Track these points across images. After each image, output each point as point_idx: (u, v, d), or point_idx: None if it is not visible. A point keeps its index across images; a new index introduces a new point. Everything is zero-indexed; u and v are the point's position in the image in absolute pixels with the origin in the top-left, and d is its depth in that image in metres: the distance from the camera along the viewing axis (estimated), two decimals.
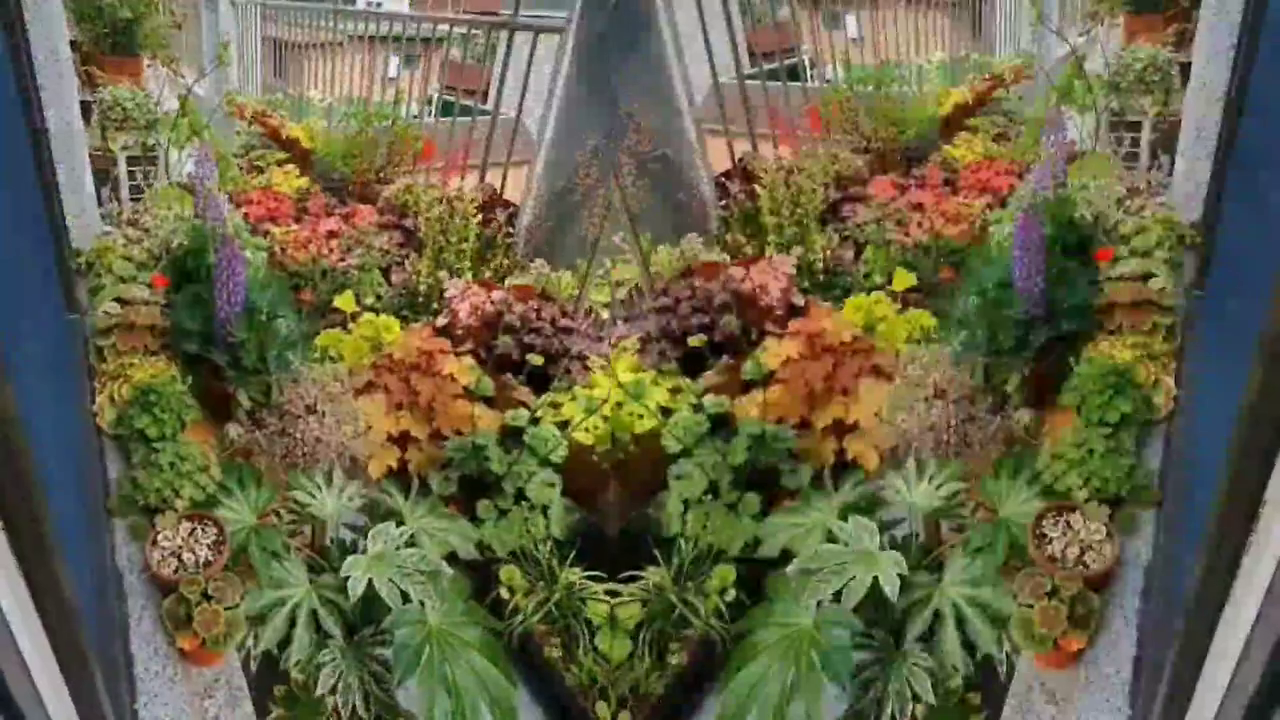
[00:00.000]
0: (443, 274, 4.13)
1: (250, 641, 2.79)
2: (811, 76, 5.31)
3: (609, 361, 3.54)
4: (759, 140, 4.59)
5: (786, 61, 5.24)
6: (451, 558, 3.16)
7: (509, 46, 4.64)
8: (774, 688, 2.37)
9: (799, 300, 3.81)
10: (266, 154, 5.05)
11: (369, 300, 4.12)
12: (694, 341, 3.48)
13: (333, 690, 2.60)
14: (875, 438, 3.26)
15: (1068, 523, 2.66)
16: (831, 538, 2.63)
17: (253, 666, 2.83)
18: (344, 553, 3.01)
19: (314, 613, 2.71)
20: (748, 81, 4.67)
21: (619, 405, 3.33)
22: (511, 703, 2.51)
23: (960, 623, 2.36)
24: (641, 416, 3.33)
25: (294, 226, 4.22)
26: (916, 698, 2.40)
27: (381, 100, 5.24)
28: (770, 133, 4.59)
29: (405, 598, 2.75)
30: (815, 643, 2.40)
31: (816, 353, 3.49)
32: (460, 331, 3.66)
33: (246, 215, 4.18)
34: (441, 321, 3.83)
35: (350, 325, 3.76)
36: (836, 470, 3.28)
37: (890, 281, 3.93)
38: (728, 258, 4.07)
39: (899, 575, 2.43)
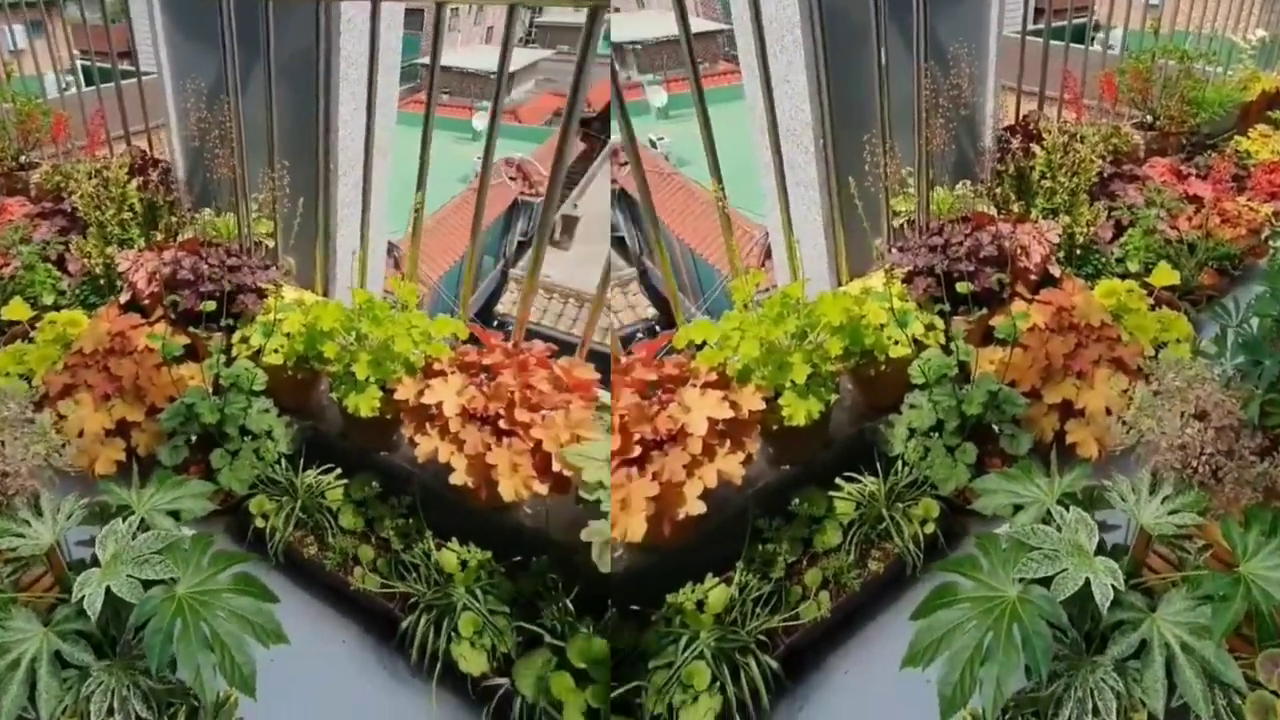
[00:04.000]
0: (112, 249, 3.56)
1: None
2: (1093, 40, 4.45)
3: (276, 286, 3.25)
4: (1045, 101, 3.86)
5: (1076, 20, 4.39)
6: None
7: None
8: (969, 641, 2.03)
9: (1055, 270, 3.22)
10: None
11: (49, 300, 3.54)
12: (962, 287, 3.10)
13: (110, 713, 2.09)
14: (1100, 429, 2.91)
15: None
16: (1047, 520, 2.23)
17: None
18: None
19: (57, 654, 2.12)
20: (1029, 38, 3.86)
21: (881, 327, 2.93)
22: (274, 619, 2.13)
23: (1169, 662, 1.85)
24: (898, 343, 2.96)
25: None
26: (1096, 712, 2.06)
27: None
28: (1057, 95, 3.84)
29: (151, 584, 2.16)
30: (1018, 617, 2.03)
31: (1062, 327, 3.04)
32: (147, 301, 3.24)
33: None
34: (124, 298, 3.33)
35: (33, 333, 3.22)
36: (1047, 449, 2.89)
37: (1147, 272, 3.26)
38: (995, 210, 3.43)
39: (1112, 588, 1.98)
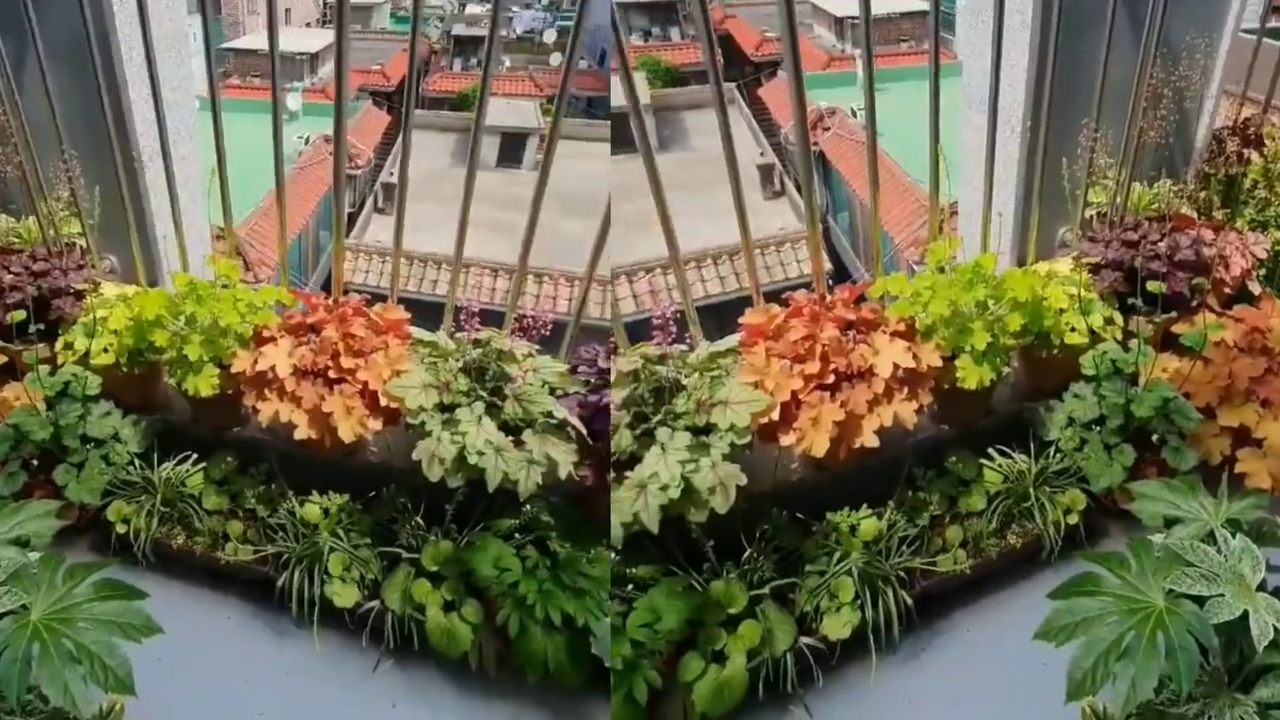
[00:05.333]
0: None
1: None
2: None
3: (94, 285, 3.03)
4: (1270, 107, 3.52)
5: None
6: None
7: None
8: (1108, 634, 1.95)
9: (1254, 287, 2.99)
10: None
11: None
12: (1154, 287, 2.90)
13: None
14: (1277, 465, 2.73)
15: None
16: (1207, 541, 2.13)
17: None
18: None
19: None
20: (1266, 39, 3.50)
21: (1060, 312, 2.85)
22: (142, 614, 2.02)
23: None
24: (1074, 330, 2.88)
25: None
26: None
27: None
28: None
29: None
30: (1164, 626, 1.92)
31: (1253, 349, 2.88)
32: None
33: None
34: None
35: None
36: (1213, 473, 2.70)
37: None
38: (1196, 214, 3.21)
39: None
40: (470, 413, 2.52)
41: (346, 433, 2.58)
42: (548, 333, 2.77)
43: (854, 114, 14.29)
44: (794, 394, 2.44)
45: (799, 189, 14.45)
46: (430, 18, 21.31)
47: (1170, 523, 2.22)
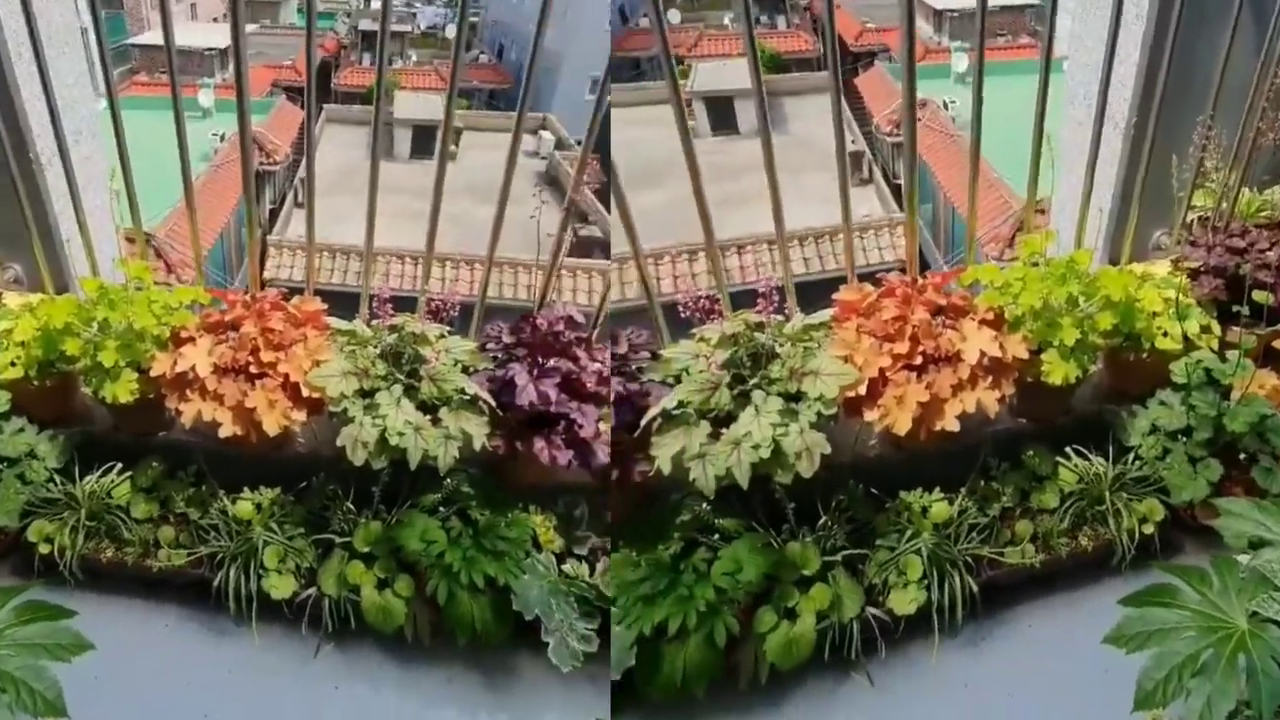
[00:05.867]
0: None
1: None
2: None
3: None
4: None
5: None
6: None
7: None
8: (1184, 648, 1.89)
9: None
10: None
11: None
12: (1260, 297, 2.82)
13: None
14: None
15: None
16: None
17: None
18: None
19: None
20: None
21: (1153, 315, 2.73)
22: (70, 633, 1.98)
23: None
24: (1166, 335, 2.76)
25: None
26: None
27: None
28: None
29: None
30: (1245, 648, 1.86)
31: None
32: None
33: None
34: None
35: None
36: None
37: None
38: None
39: None
40: (389, 396, 2.55)
41: (271, 426, 2.54)
42: (456, 314, 2.80)
43: (945, 107, 13.97)
44: (881, 371, 2.44)
45: (885, 177, 14.24)
46: (337, 13, 21.34)
47: (1256, 544, 2.13)
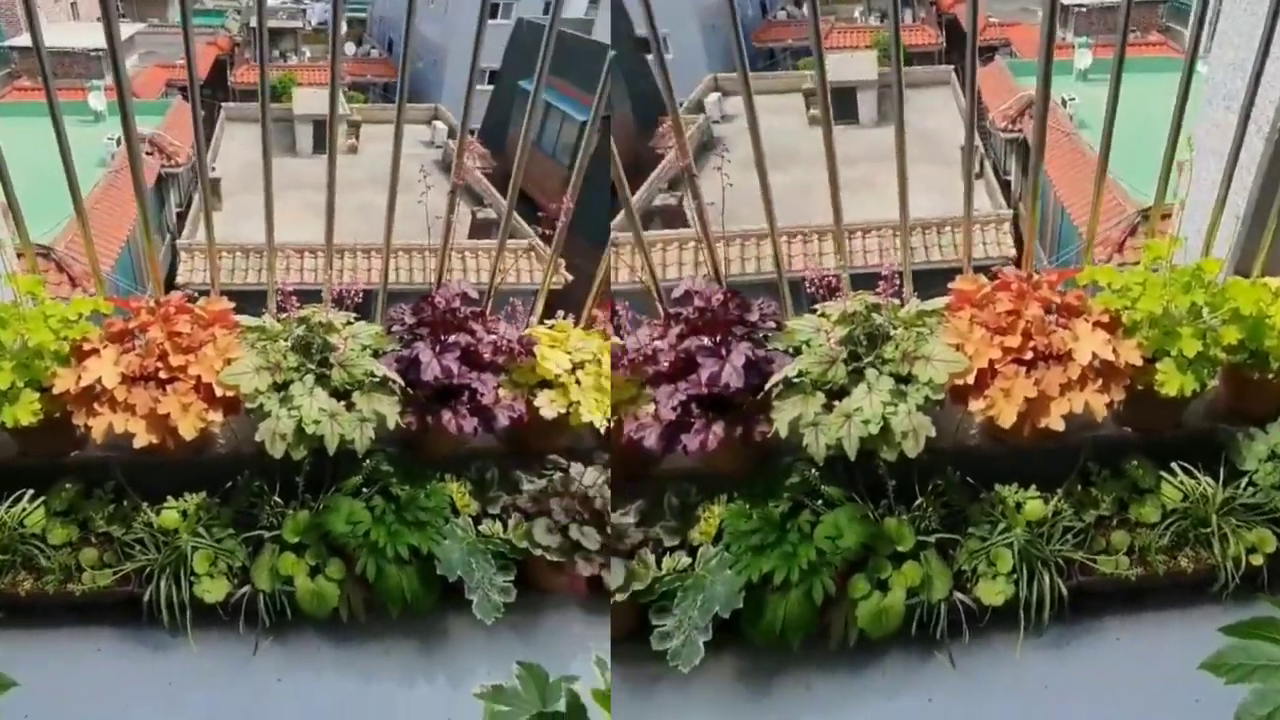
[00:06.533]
0: None
1: None
2: None
3: None
4: None
5: None
6: None
7: None
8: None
9: None
10: None
11: None
12: None
13: None
14: None
15: None
16: None
17: None
18: None
19: None
20: None
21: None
22: None
23: None
24: None
25: None
26: None
27: None
28: None
29: None
30: None
31: None
32: None
33: None
34: None
35: None
36: None
37: None
38: None
39: None
40: (302, 386, 2.56)
41: (188, 430, 2.51)
42: (360, 301, 2.81)
43: (1064, 104, 13.49)
44: (991, 363, 2.42)
45: (995, 172, 13.87)
46: (228, 10, 21.04)
47: None
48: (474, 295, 2.78)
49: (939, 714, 2.46)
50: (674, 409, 2.45)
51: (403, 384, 2.64)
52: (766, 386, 2.48)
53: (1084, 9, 16.90)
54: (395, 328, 2.77)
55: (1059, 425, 2.41)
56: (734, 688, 2.51)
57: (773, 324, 2.61)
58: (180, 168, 14.33)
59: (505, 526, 2.72)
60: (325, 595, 2.59)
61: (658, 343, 2.56)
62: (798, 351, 2.56)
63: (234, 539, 2.66)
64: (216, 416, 2.57)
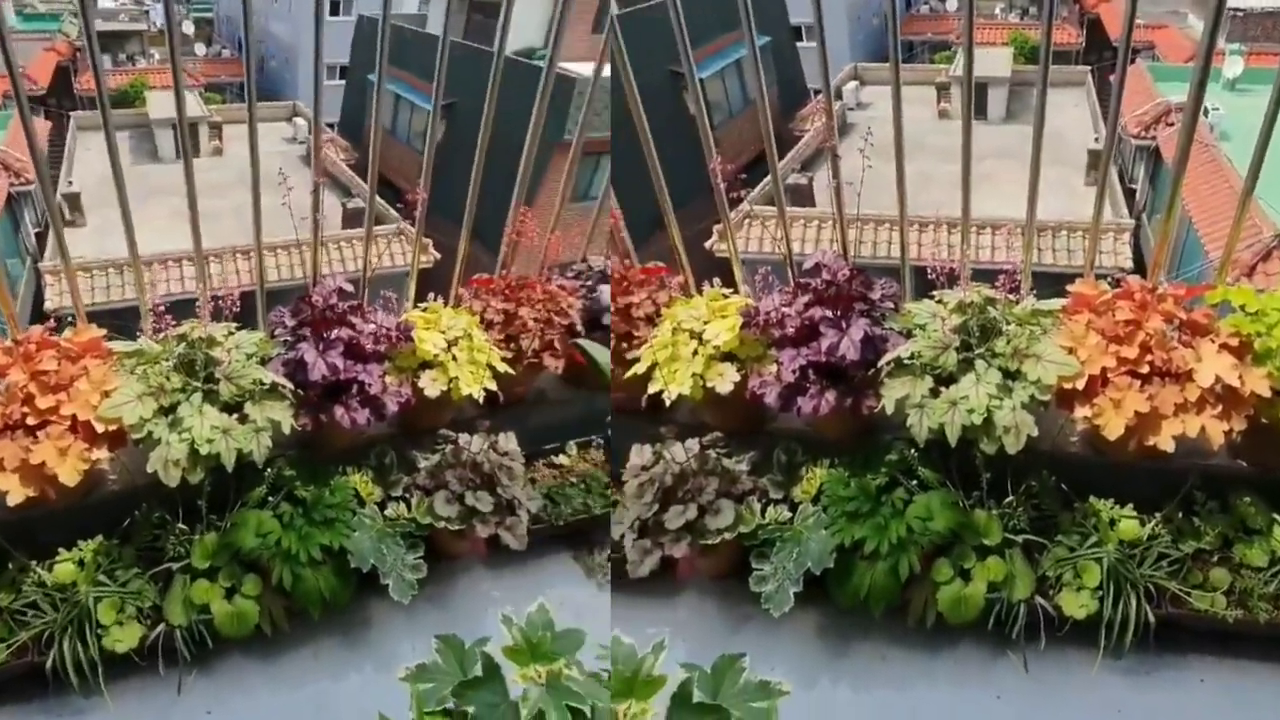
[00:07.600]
0: None
1: None
2: None
3: None
4: None
5: None
6: None
7: None
8: None
9: None
10: None
11: None
12: None
13: None
14: None
15: None
16: None
17: None
18: None
19: None
20: None
21: None
22: None
23: None
24: None
25: None
26: None
27: None
28: None
29: None
30: None
31: None
32: None
33: None
34: None
35: None
36: None
37: None
38: None
39: None
40: (190, 406, 2.42)
41: (69, 475, 2.32)
42: (238, 308, 2.70)
43: (1205, 114, 12.77)
44: (1103, 371, 2.35)
45: (1120, 179, 13.31)
46: (63, 14, 19.88)
47: None
48: (349, 289, 2.74)
49: (1007, 713, 2.42)
50: (794, 372, 2.49)
51: (292, 387, 2.58)
52: (880, 363, 2.48)
53: (1240, 14, 15.92)
54: (278, 331, 2.72)
55: (1168, 446, 2.31)
56: (815, 642, 2.55)
57: (891, 304, 2.61)
58: (32, 185, 12.82)
59: (409, 506, 2.75)
60: (245, 615, 2.49)
61: (785, 309, 2.57)
62: (912, 334, 2.55)
63: (140, 578, 2.49)
64: (101, 454, 2.39)
